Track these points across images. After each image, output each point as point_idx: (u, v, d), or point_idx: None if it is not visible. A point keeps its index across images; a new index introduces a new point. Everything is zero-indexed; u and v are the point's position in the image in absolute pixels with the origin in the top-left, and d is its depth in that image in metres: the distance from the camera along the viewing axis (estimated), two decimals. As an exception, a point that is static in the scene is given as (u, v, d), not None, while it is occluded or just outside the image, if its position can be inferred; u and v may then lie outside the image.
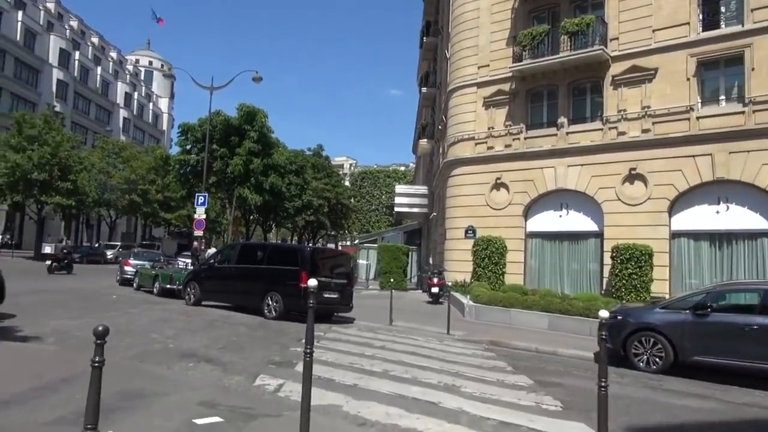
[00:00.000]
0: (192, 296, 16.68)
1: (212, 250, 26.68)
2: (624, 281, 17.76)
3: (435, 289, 21.04)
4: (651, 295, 17.71)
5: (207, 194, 30.51)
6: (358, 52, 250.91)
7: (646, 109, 18.96)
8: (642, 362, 10.50)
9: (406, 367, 9.02)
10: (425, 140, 34.63)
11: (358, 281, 33.92)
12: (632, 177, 19.10)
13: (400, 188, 34.35)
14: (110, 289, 20.97)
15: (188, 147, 34.86)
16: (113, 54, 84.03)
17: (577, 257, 20.48)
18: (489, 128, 22.65)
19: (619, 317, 11.03)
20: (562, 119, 20.85)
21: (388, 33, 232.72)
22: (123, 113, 79.99)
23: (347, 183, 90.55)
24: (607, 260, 18.94)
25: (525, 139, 21.75)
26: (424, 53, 37.24)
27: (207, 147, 30.72)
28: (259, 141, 34.60)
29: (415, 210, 33.91)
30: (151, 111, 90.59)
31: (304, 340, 5.09)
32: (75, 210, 47.73)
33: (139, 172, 51.27)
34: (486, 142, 22.70)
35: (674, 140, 18.28)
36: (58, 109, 58.84)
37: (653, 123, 18.82)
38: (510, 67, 21.66)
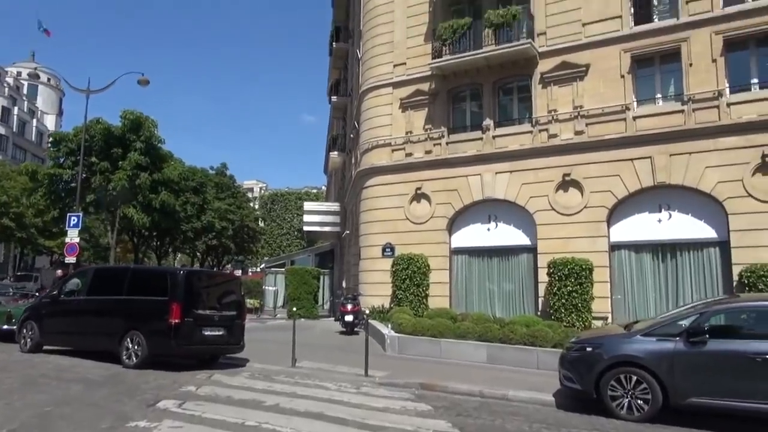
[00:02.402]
0: (28, 340, 12.65)
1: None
2: (563, 300, 15.61)
3: (349, 317, 17.97)
4: (592, 314, 15.67)
5: (81, 214, 25.96)
6: (271, 76, 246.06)
7: (578, 110, 17.15)
8: (622, 408, 7.97)
9: (306, 446, 5.90)
10: (336, 153, 31.79)
11: (265, 310, 30.50)
12: (566, 184, 17.15)
13: (309, 205, 31.20)
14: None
15: (61, 160, 29.93)
16: (-13, 64, 75.43)
17: (508, 275, 18.19)
18: (407, 133, 20.15)
19: (588, 349, 8.50)
20: (488, 122, 18.70)
21: (300, 58, 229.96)
22: (-1, 129, 71.64)
23: (257, 206, 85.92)
24: (543, 277, 16.79)
25: (447, 144, 19.40)
26: (334, 61, 34.63)
27: (82, 159, 26.23)
28: (147, 153, 30.25)
29: (327, 229, 30.84)
30: (34, 128, 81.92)
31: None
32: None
33: (12, 194, 44.75)
34: (404, 149, 20.16)
35: (610, 142, 16.52)
36: None
37: (587, 124, 17.01)
38: (429, 64, 19.33)
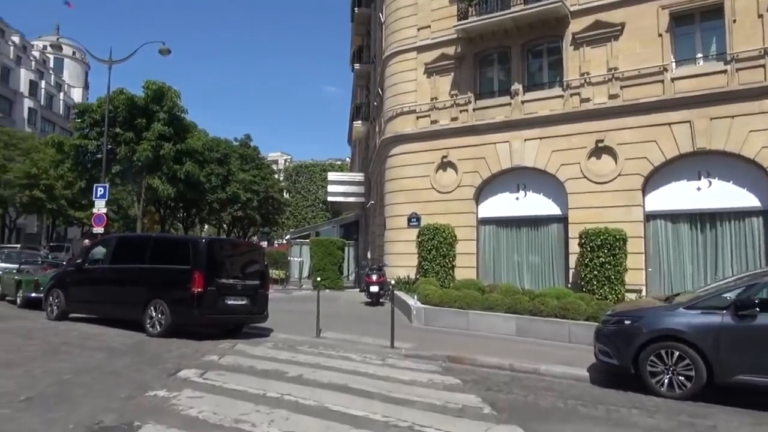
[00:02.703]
0: (55, 308, 12.66)
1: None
2: (595, 272, 15.04)
3: (374, 288, 17.72)
4: (625, 287, 15.11)
5: (107, 185, 26.06)
6: (292, 47, 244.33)
7: (612, 72, 16.31)
8: (662, 385, 7.54)
9: (329, 421, 5.62)
10: (360, 122, 31.23)
11: (290, 281, 30.48)
12: (599, 150, 16.43)
13: (333, 175, 30.86)
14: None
15: (86, 131, 30.00)
16: (15, 38, 75.98)
17: (538, 246, 17.66)
18: (432, 99, 19.53)
19: (626, 322, 8.05)
20: (517, 86, 17.97)
21: (320, 27, 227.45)
22: (28, 103, 72.40)
23: (281, 179, 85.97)
24: (574, 248, 16.23)
25: (474, 110, 18.75)
26: (356, 27, 33.80)
27: (107, 129, 26.22)
28: (171, 123, 30.10)
29: (351, 199, 30.52)
30: (62, 101, 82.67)
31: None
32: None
33: (41, 166, 45.30)
34: (429, 116, 19.57)
35: (647, 106, 15.69)
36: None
37: (621, 87, 16.19)
38: (454, 26, 18.57)
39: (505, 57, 18.53)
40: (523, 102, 17.84)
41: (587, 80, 16.66)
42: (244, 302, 11.43)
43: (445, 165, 19.10)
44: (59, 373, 7.13)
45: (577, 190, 16.65)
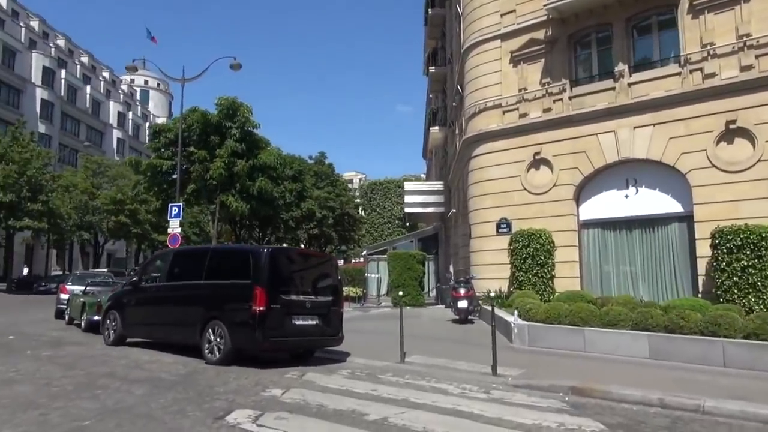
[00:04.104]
0: (112, 332, 11.47)
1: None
2: (735, 278, 12.27)
3: (463, 303, 15.59)
4: (775, 296, 12.21)
5: (182, 204, 25.59)
6: (364, 66, 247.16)
7: (744, 39, 13.57)
8: None
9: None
10: (436, 128, 29.36)
11: (368, 298, 28.85)
12: (731, 134, 13.68)
13: (409, 185, 29.08)
14: (34, 325, 15.84)
15: (162, 151, 29.92)
16: (105, 73, 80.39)
17: (655, 250, 14.99)
18: (520, 90, 17.36)
19: None
20: (622, 67, 15.51)
21: (390, 48, 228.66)
22: (117, 133, 75.94)
23: (357, 198, 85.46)
24: (703, 250, 13.51)
25: (570, 98, 16.41)
26: (430, 30, 32.08)
27: (180, 148, 25.82)
28: (243, 140, 29.46)
29: (430, 210, 28.57)
30: (147, 131, 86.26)
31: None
32: (53, 234, 42.99)
33: (126, 192, 46.58)
34: (517, 109, 17.39)
35: (792, 76, 12.87)
36: (42, 130, 55.03)
37: (757, 56, 13.42)
38: (544, 6, 16.39)
39: (606, 36, 16.12)
40: (629, 84, 15.34)
41: (711, 52, 13.99)
42: (314, 322, 9.71)
43: (537, 163, 16.83)
44: (79, 418, 5.58)
45: (703, 182, 13.92)
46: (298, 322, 9.46)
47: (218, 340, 9.26)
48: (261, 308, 8.89)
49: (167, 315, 10.38)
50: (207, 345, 9.39)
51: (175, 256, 11.21)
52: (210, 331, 9.40)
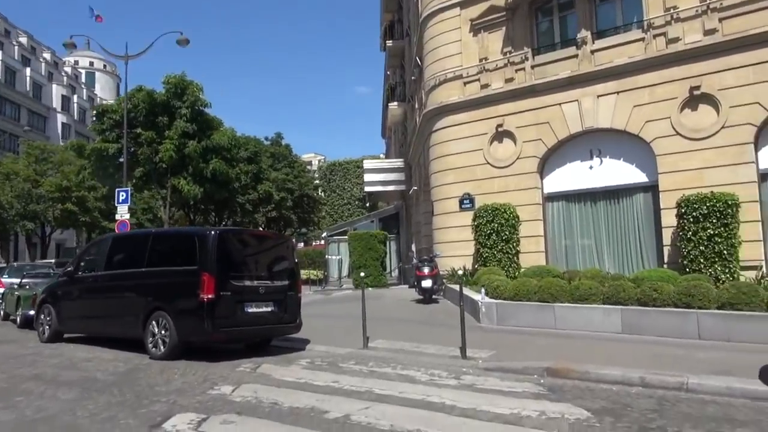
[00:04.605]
0: (46, 327, 10.46)
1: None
2: (702, 247, 12.04)
3: (427, 283, 15.04)
4: (740, 263, 12.08)
5: (129, 189, 24.19)
6: (320, 47, 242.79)
7: (707, 2, 13.23)
8: None
9: None
10: (395, 104, 28.57)
11: (329, 281, 28.12)
12: (695, 100, 13.38)
13: (369, 163, 28.28)
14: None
15: (106, 133, 28.24)
16: (46, 55, 76.29)
17: (620, 221, 14.72)
18: (481, 60, 16.73)
19: None
20: (584, 33, 15.02)
21: (349, 27, 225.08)
22: (61, 118, 72.41)
23: (317, 179, 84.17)
24: (669, 220, 13.25)
25: (533, 67, 15.88)
26: (386, 3, 31.09)
27: (125, 129, 24.30)
28: (194, 120, 28.02)
29: (390, 188, 27.90)
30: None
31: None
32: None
33: (72, 179, 44.30)
34: (479, 80, 16.78)
35: (757, 39, 12.57)
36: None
37: (721, 19, 13.09)
38: (504, -29, 15.75)
39: (568, 2, 15.60)
40: (592, 52, 14.89)
41: (674, 16, 13.61)
42: (270, 309, 8.96)
43: (500, 135, 16.30)
44: (-15, 432, 4.74)
45: (668, 150, 13.63)
46: (251, 310, 8.69)
47: (163, 332, 8.42)
48: (209, 296, 8.09)
49: (106, 307, 9.47)
50: (151, 338, 8.55)
51: (114, 243, 10.21)
52: (154, 323, 8.56)
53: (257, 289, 8.83)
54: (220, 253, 8.44)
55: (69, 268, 10.71)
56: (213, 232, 8.64)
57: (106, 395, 6.12)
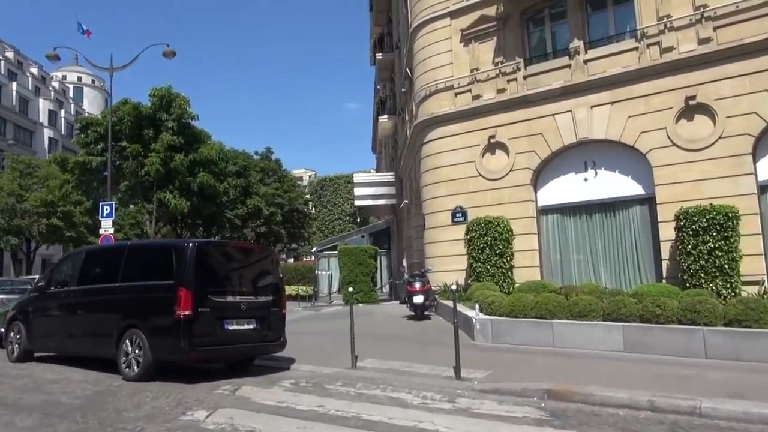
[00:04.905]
0: (15, 346, 9.87)
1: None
2: (702, 261, 11.67)
3: (418, 299, 14.56)
4: (741, 278, 11.71)
5: (113, 203, 23.64)
6: (311, 65, 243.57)
7: (701, 10, 12.99)
8: None
9: None
10: (385, 117, 28.23)
11: (319, 296, 27.53)
12: (690, 110, 13.10)
13: (359, 177, 27.87)
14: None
15: (91, 146, 27.69)
16: (33, 69, 75.70)
17: (616, 235, 14.35)
18: (473, 71, 16.43)
19: None
20: (577, 43, 14.77)
21: (338, 46, 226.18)
22: (48, 132, 71.67)
23: (307, 194, 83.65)
24: (667, 234, 12.91)
25: (525, 78, 15.59)
26: (376, 16, 30.95)
27: (110, 142, 23.71)
28: (181, 132, 27.57)
29: (381, 202, 27.46)
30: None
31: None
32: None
33: (57, 193, 43.53)
34: (470, 90, 16.46)
35: (753, 48, 12.34)
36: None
37: (715, 28, 12.87)
38: (496, -20, 15.52)
39: (560, 11, 15.36)
40: (585, 61, 14.62)
41: (668, 25, 13.38)
42: (252, 326, 8.43)
43: (492, 147, 15.95)
44: None
45: (664, 161, 13.32)
46: (232, 327, 8.17)
47: (137, 351, 7.88)
48: (186, 313, 7.56)
49: (79, 324, 8.89)
50: (124, 358, 8.00)
51: (88, 256, 9.66)
52: (127, 341, 8.01)
53: (239, 305, 8.31)
54: (199, 266, 7.93)
55: (40, 284, 10.14)
56: (191, 244, 8.12)
57: (68, 422, 5.58)
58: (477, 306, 10.95)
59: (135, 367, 7.84)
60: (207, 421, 5.57)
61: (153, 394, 6.92)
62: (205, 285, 7.93)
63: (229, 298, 8.28)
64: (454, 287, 8.94)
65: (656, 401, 6.03)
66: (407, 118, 21.33)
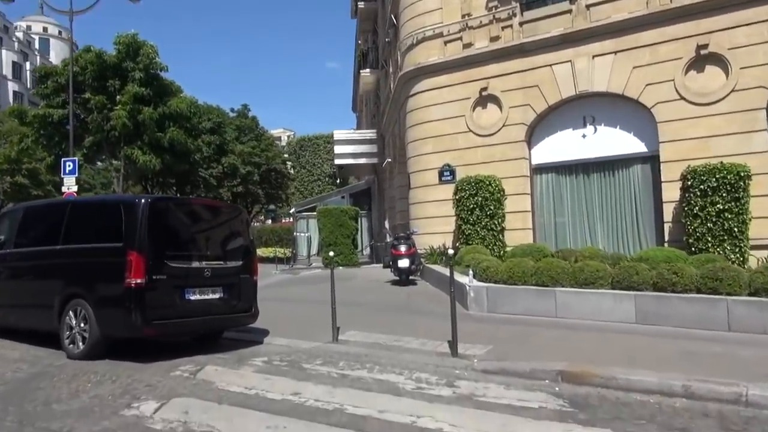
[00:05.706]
0: (-51, 318, 8.62)
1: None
2: (710, 224, 10.81)
3: (404, 263, 13.56)
4: (750, 242, 10.91)
5: (76, 159, 22.09)
6: (292, 25, 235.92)
7: (718, -50, 11.83)
8: None
9: None
10: (368, 71, 26.73)
11: (298, 259, 26.48)
12: (701, 60, 12.05)
13: (339, 133, 26.46)
14: None
15: (51, 98, 25.80)
16: (-6, 18, 71.69)
17: (615, 195, 13.44)
18: (464, 16, 15.11)
19: None
20: (579, -14, 13.53)
21: (319, 4, 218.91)
22: (12, 86, 68.52)
23: (285, 155, 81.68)
24: (671, 194, 12.03)
25: (521, 24, 14.33)
26: (358, -38, 29.03)
27: (71, 92, 21.94)
28: (149, 84, 25.75)
29: (362, 160, 26.19)
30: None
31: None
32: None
33: (15, 148, 41.25)
34: (461, 38, 15.17)
35: (772, -8, 11.28)
36: None
37: (732, -31, 11.75)
38: None
39: (560, -50, 14.04)
40: (588, 6, 13.40)
41: (680, -34, 12.20)
42: (218, 296, 7.33)
43: (484, 100, 14.78)
44: None
45: (671, 116, 12.33)
46: (194, 297, 7.05)
47: (82, 325, 6.75)
48: (138, 281, 6.43)
49: (16, 294, 7.70)
50: (67, 333, 6.88)
51: (26, 214, 8.34)
52: (71, 313, 6.88)
53: (202, 272, 7.18)
54: (154, 226, 6.74)
55: (-26, 247, 8.87)
56: (143, 200, 6.88)
57: (-20, 420, 4.47)
58: (470, 272, 9.97)
59: (80, 344, 6.73)
60: (155, 417, 4.52)
61: (97, 377, 5.84)
62: (162, 248, 6.78)
63: (192, 264, 7.14)
64: (451, 251, 7.91)
65: (692, 386, 5.12)
66: (391, 70, 19.97)
